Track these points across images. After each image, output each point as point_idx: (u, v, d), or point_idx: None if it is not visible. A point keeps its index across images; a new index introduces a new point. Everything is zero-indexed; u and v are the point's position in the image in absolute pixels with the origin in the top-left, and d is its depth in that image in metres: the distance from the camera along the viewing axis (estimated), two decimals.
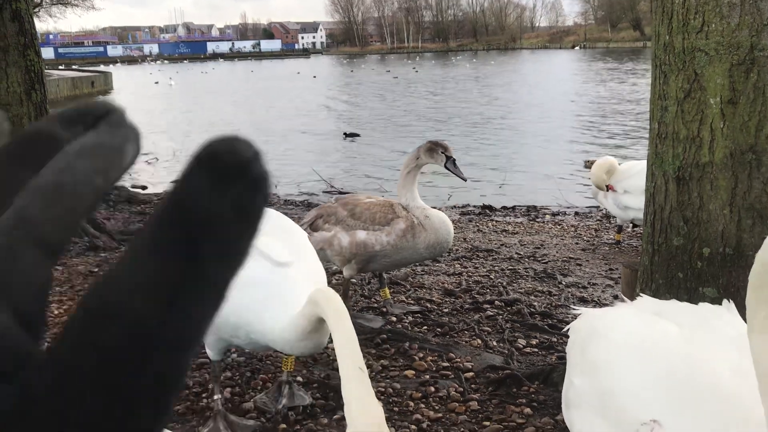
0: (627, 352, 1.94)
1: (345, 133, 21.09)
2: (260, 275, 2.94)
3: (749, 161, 2.69)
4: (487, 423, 3.45)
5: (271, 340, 2.86)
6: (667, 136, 2.94)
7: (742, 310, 2.01)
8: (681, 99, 2.85)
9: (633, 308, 2.19)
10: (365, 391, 1.82)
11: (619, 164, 8.02)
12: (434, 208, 4.81)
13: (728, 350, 1.80)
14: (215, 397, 3.37)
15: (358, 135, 20.90)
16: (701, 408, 1.67)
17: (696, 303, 2.15)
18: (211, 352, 3.25)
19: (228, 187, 0.29)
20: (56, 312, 5.10)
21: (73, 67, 64.33)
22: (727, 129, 2.72)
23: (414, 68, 65.22)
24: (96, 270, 6.22)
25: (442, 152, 4.51)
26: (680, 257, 2.94)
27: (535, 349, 4.42)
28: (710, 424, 1.63)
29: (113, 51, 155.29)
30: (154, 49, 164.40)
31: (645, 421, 1.72)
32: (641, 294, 3.13)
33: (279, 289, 2.85)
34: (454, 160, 4.50)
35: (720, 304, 2.07)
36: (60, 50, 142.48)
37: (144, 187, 13.46)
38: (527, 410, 3.55)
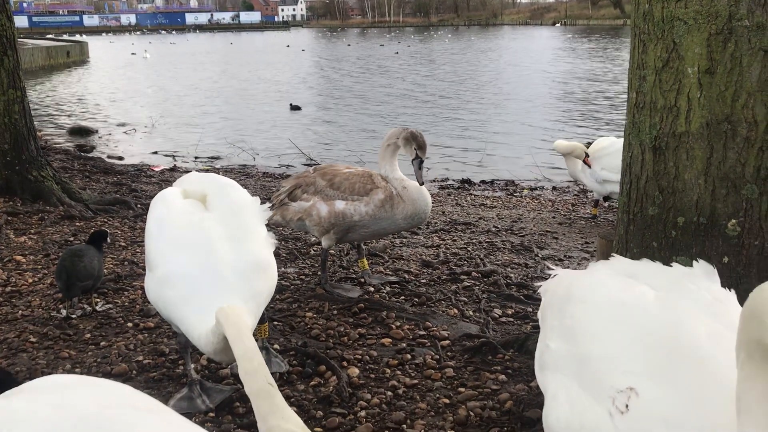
0: (604, 318, 1.94)
1: (292, 108, 20.97)
2: (184, 270, 2.77)
3: (725, 131, 2.71)
4: (462, 389, 3.48)
5: (197, 345, 2.70)
6: (644, 105, 2.95)
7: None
8: (659, 68, 2.86)
9: (607, 269, 2.20)
10: (278, 405, 1.79)
11: (587, 143, 8.20)
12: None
13: (703, 315, 1.80)
14: (188, 366, 3.36)
15: (318, 113, 20.83)
16: (678, 374, 1.67)
17: None
18: (174, 326, 3.15)
19: None
20: (30, 281, 5.04)
21: (48, 36, 62.77)
22: (704, 99, 2.73)
23: (407, 43, 64.78)
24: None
25: (415, 149, 4.53)
26: (655, 226, 2.97)
27: (511, 319, 4.46)
28: (686, 391, 1.63)
29: (89, 20, 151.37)
30: (132, 19, 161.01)
31: (621, 389, 1.73)
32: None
33: (202, 288, 2.67)
34: (422, 161, 4.52)
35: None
36: (35, 18, 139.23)
37: (120, 158, 13.29)
38: (502, 377, 3.59)
